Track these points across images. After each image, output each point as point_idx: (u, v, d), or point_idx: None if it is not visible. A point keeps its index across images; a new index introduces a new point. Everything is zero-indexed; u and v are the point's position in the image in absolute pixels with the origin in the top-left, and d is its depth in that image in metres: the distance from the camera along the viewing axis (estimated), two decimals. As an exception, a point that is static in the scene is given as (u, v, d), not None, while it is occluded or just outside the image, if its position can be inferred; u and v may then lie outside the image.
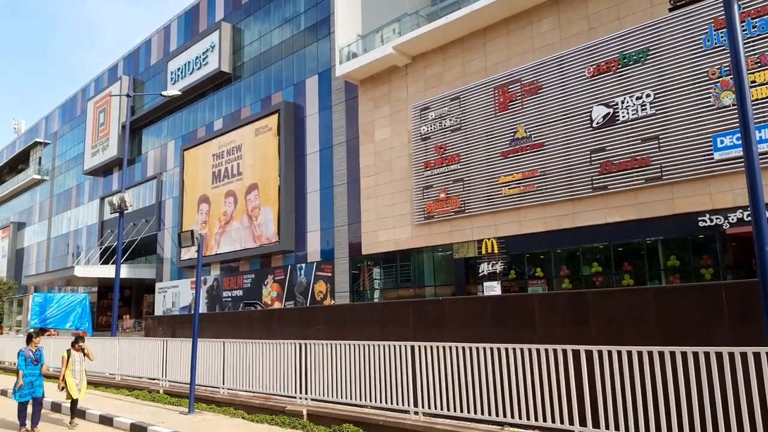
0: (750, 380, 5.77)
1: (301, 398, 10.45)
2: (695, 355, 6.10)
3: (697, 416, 5.97)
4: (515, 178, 21.86)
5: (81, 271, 42.04)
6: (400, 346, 8.85)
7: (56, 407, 12.79)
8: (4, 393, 14.77)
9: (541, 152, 21.22)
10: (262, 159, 34.25)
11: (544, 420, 7.11)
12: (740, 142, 8.74)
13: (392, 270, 27.25)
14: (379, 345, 9.17)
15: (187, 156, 40.71)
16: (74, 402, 11.06)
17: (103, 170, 51.67)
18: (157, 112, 45.35)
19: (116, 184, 49.34)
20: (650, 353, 6.41)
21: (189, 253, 37.26)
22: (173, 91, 28.14)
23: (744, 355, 5.83)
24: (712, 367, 5.99)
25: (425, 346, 8.51)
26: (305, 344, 10.49)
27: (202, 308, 35.05)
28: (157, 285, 42.58)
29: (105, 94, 50.61)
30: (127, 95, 21.83)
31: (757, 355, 5.80)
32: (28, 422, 10.36)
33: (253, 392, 11.71)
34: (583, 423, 6.80)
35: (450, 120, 24.48)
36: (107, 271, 41.46)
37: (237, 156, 36.35)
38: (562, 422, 6.96)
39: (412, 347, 8.69)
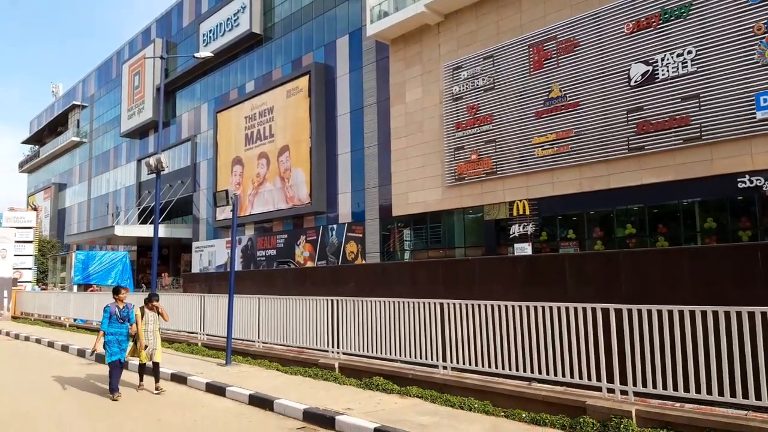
0: (782, 339, 5.74)
1: (333, 352, 10.76)
2: (726, 314, 6.07)
3: (727, 374, 5.98)
4: (549, 138, 21.50)
5: (120, 230, 43.35)
6: (429, 304, 9.00)
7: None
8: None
9: (576, 112, 20.77)
10: (293, 121, 34.37)
11: (572, 376, 7.20)
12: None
13: (422, 231, 27.36)
14: (409, 302, 9.34)
15: (220, 118, 41.08)
16: (154, 366, 9.83)
17: (139, 132, 52.61)
18: (190, 75, 45.67)
19: (152, 146, 50.28)
20: (681, 312, 6.40)
21: (224, 214, 37.99)
22: (205, 53, 28.24)
23: (777, 315, 5.78)
24: (744, 326, 5.95)
25: (454, 304, 8.64)
26: (338, 301, 10.73)
27: (238, 267, 35.91)
28: (194, 244, 43.67)
29: (139, 57, 51.12)
30: (161, 57, 21.98)
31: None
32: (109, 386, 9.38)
33: (287, 346, 12.09)
34: (610, 380, 6.87)
35: (483, 80, 24.06)
36: (145, 231, 42.68)
37: (269, 118, 36.54)
38: (589, 379, 7.04)
39: (441, 305, 8.83)
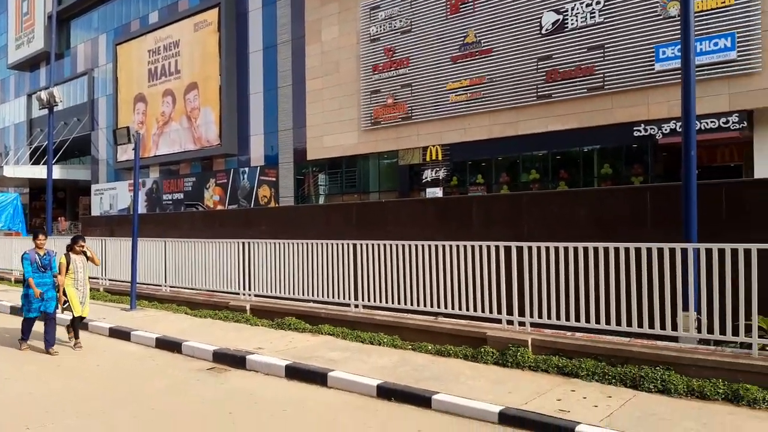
0: (664, 272, 6.26)
1: (244, 294, 10.66)
2: (616, 250, 6.53)
3: (614, 305, 6.49)
4: (462, 84, 21.74)
5: (10, 171, 39.94)
6: (342, 244, 9.05)
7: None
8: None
9: (490, 58, 21.05)
10: (201, 56, 32.54)
11: (475, 310, 7.56)
12: (680, 53, 8.97)
13: (337, 176, 27.25)
14: (321, 243, 9.34)
15: (121, 51, 38.18)
16: (77, 319, 8.80)
17: (30, 64, 47.93)
18: (86, 2, 41.77)
19: (44, 80, 46.03)
20: (575, 248, 6.82)
21: (126, 154, 35.88)
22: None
23: (661, 251, 6.29)
24: (631, 260, 6.44)
25: (366, 244, 8.74)
26: (249, 243, 10.56)
27: (142, 210, 34.34)
28: (93, 187, 41.17)
29: (24, -22, 46.03)
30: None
31: (672, 251, 6.27)
32: (35, 341, 8.58)
33: (196, 290, 11.83)
34: (510, 312, 7.28)
35: (400, 21, 23.73)
36: (38, 172, 39.55)
37: (174, 53, 34.38)
38: (491, 312, 7.43)
39: (354, 245, 8.91)
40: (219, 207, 31.70)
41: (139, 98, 36.92)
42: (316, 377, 6.62)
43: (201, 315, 10.51)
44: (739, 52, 15.96)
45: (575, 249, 6.84)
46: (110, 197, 39.56)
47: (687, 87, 7.16)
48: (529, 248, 7.14)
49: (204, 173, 33.63)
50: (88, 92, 42.01)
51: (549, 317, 6.95)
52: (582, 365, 6.21)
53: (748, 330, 5.71)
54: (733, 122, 16.11)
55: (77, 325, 8.88)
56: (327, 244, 9.26)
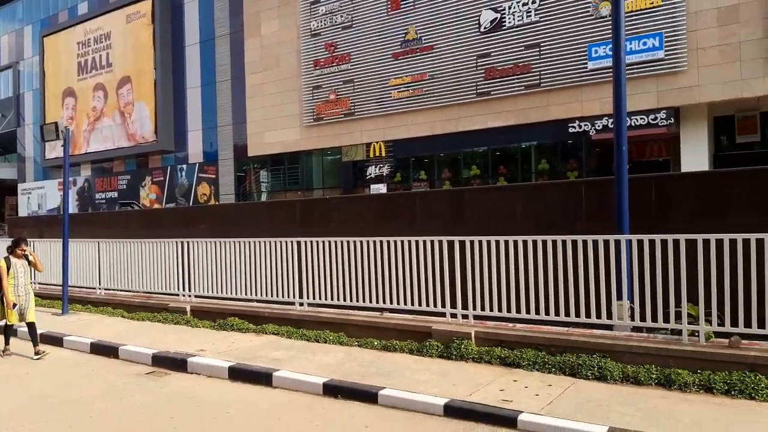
0: (598, 263, 6.51)
1: (184, 295, 10.36)
2: (553, 243, 6.73)
3: (552, 295, 6.70)
4: (405, 81, 21.85)
5: (-75, 170, 37.35)
6: (285, 242, 8.93)
7: None
8: None
9: (431, 55, 21.25)
10: (134, 49, 31.33)
11: (419, 305, 7.63)
12: (612, 52, 9.34)
13: (279, 172, 26.88)
14: (264, 241, 9.19)
15: (48, 43, 36.28)
16: (29, 327, 8.28)
17: (-57, 55, 44.85)
18: (7, -10, 39.49)
19: (-39, 72, 43.21)
20: (515, 242, 6.98)
21: (55, 151, 34.16)
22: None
23: (595, 243, 6.53)
24: (568, 252, 6.65)
25: (310, 241, 8.66)
26: (188, 242, 10.27)
27: (73, 211, 32.80)
28: (20, 186, 39.02)
29: (-64, -38, 42.93)
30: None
31: (606, 242, 6.52)
32: None
33: (133, 292, 11.41)
34: (453, 306, 7.39)
35: (341, 16, 23.60)
36: (-43, 171, 37.18)
37: (106, 45, 32.96)
38: (435, 306, 7.52)
39: (298, 243, 8.81)
40: (156, 206, 30.67)
41: (68, 93, 35.21)
42: (261, 378, 6.51)
43: (138, 318, 10.14)
44: (666, 51, 16.74)
45: (515, 242, 7.00)
46: (38, 197, 37.59)
47: (618, 85, 7.44)
48: (471, 242, 7.26)
49: (139, 171, 32.45)
50: (13, 86, 39.73)
51: (491, 310, 7.09)
52: (523, 355, 6.38)
53: (679, 317, 6.00)
54: (661, 119, 16.91)
55: (10, 332, 8.44)
56: (270, 242, 9.12)
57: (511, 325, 7.08)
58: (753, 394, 5.11)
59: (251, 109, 26.56)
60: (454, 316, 7.42)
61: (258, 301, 9.39)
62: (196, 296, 10.24)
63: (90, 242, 12.04)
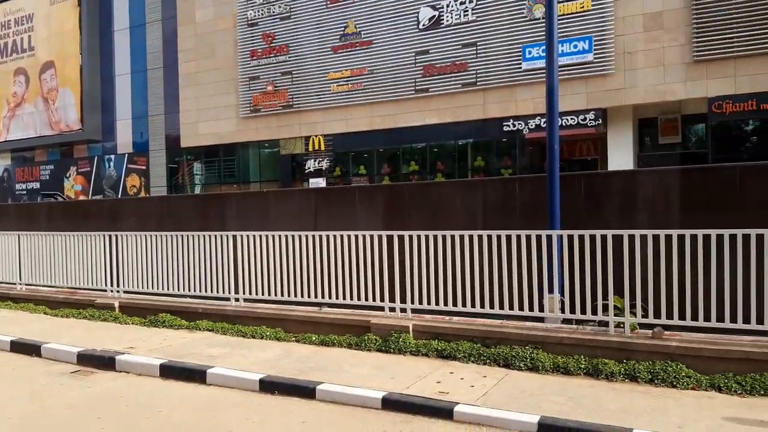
0: (531, 257, 6.71)
1: (112, 291, 9.92)
2: (489, 237, 6.90)
3: (487, 289, 6.86)
4: (344, 75, 21.76)
5: None
6: (220, 236, 8.72)
7: None
8: None
9: (370, 50, 21.26)
10: (59, 33, 29.68)
11: (359, 299, 7.64)
12: (545, 53, 9.67)
13: (215, 165, 26.22)
14: (198, 235, 8.93)
15: (-41, 21, 33.78)
16: None
17: None
18: None
19: None
20: (452, 236, 7.10)
21: (-32, 139, 31.96)
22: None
23: (528, 237, 6.74)
24: (502, 247, 6.83)
25: (247, 235, 8.49)
26: (117, 236, 9.84)
27: (-10, 202, 30.79)
28: (-72, 175, 36.21)
29: None
30: None
31: (539, 237, 6.74)
32: None
33: (57, 287, 10.84)
34: (392, 300, 7.44)
35: (279, 7, 23.22)
36: None
37: (28, 27, 31.06)
38: (374, 300, 7.54)
39: (234, 236, 8.61)
40: (82, 197, 29.24)
41: (-17, 76, 32.97)
42: (195, 375, 6.33)
43: (62, 314, 9.65)
44: (595, 54, 17.46)
45: (452, 237, 7.12)
46: (-51, 187, 35.07)
47: (551, 85, 7.69)
48: (410, 237, 7.33)
49: (63, 160, 30.82)
50: None
51: (429, 303, 7.19)
52: (459, 348, 6.50)
53: (606, 309, 6.28)
54: (590, 119, 17.63)
55: None
56: (204, 235, 8.88)
57: (448, 318, 7.21)
58: (674, 383, 5.41)
59: (185, 98, 25.73)
60: (392, 310, 7.47)
61: (192, 296, 9.13)
62: (125, 292, 9.83)
63: (9, 235, 11.33)
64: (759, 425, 4.54)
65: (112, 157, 28.86)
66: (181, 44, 25.75)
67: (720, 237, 5.73)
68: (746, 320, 5.60)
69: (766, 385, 5.13)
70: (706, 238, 5.79)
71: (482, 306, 6.90)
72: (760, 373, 5.25)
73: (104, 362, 6.92)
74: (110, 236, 9.92)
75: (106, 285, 10.00)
